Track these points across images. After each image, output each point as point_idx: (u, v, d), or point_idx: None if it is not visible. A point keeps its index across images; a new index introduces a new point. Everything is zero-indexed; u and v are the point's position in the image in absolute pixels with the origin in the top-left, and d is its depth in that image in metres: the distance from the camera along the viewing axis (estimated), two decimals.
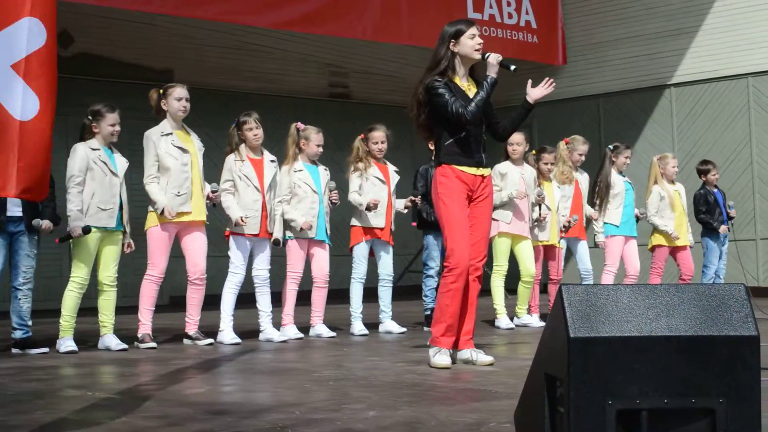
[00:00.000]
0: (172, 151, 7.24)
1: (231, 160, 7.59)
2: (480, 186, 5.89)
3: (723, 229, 10.38)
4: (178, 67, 12.96)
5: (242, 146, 7.62)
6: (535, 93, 6.04)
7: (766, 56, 12.84)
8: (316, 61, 14.44)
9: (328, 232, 8.04)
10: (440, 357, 5.76)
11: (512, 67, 5.95)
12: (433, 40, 13.22)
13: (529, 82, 6.12)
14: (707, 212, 10.40)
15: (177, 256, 7.73)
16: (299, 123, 8.07)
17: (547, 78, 6.06)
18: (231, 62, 13.54)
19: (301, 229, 7.76)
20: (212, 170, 8.45)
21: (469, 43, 5.88)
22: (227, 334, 7.49)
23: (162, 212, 7.12)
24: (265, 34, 13.35)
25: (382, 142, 8.22)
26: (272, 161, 7.76)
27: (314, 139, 7.94)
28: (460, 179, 5.81)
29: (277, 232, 7.71)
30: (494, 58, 5.85)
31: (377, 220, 8.14)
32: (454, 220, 5.78)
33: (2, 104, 3.65)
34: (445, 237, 5.84)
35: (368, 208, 8.01)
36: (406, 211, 8.44)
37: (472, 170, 5.85)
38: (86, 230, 6.80)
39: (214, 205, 7.54)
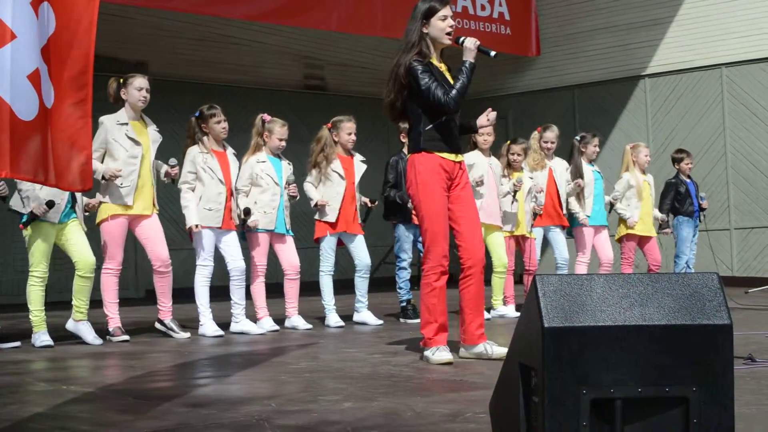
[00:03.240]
0: (124, 141, 7.16)
1: (195, 152, 7.50)
2: (459, 173, 5.70)
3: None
4: (152, 60, 12.89)
5: (206, 138, 7.57)
6: (479, 121, 5.94)
7: (739, 46, 12.91)
8: (292, 53, 14.39)
9: (288, 225, 7.98)
10: (440, 354, 5.53)
11: (492, 53, 5.70)
12: None
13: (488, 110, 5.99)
14: (678, 202, 10.43)
15: None
16: (265, 114, 8.00)
17: (490, 109, 5.93)
18: (205, 54, 13.48)
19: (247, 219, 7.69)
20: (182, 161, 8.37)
21: (440, 25, 5.65)
22: (209, 327, 7.46)
23: (104, 178, 7.02)
24: (239, 26, 13.29)
25: (354, 134, 8.21)
26: (234, 154, 7.73)
27: (277, 132, 7.88)
28: (442, 167, 5.60)
29: (242, 206, 7.69)
30: (471, 43, 5.62)
31: (330, 215, 8.12)
32: (433, 215, 5.58)
33: (41, 90, 3.57)
34: (423, 231, 5.63)
35: (316, 206, 8.05)
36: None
37: (452, 157, 5.65)
38: (50, 204, 6.66)
39: (173, 181, 7.41)
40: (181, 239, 12.45)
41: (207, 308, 7.53)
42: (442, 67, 5.75)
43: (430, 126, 5.62)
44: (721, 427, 2.76)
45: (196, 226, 7.41)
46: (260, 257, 7.84)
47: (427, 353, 5.62)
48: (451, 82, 5.66)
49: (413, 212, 8.40)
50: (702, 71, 13.30)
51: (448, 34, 5.68)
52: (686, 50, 13.40)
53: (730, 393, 2.79)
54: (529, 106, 14.63)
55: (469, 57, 5.64)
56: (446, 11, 5.70)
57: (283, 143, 7.92)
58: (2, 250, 11.98)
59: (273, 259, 8.05)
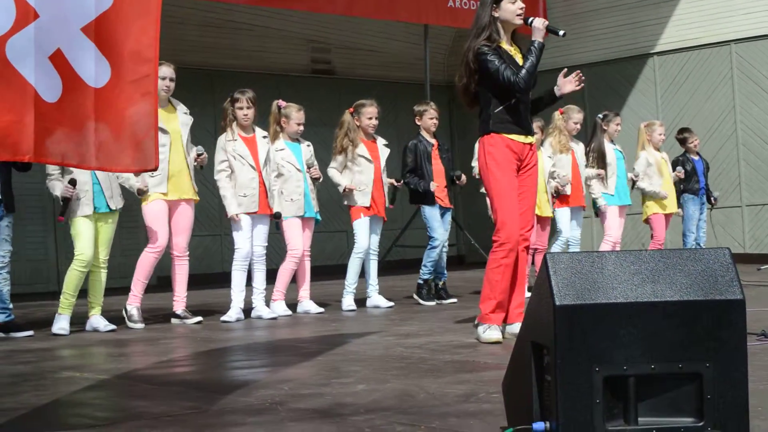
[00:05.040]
0: None
1: (223, 141, 7.57)
2: (528, 155, 5.75)
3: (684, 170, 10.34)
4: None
5: (234, 125, 7.60)
6: (565, 88, 5.91)
7: (748, 22, 12.83)
8: (298, 37, 14.37)
9: (316, 208, 8.02)
10: (491, 332, 5.57)
11: (561, 32, 5.82)
12: (411, 14, 13.24)
13: (564, 71, 5.96)
14: (684, 179, 10.41)
15: None
16: (281, 101, 8.03)
17: (577, 72, 5.89)
18: (211, 40, 13.46)
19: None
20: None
21: (510, 8, 5.70)
22: (233, 313, 7.51)
23: (139, 192, 7.13)
24: (245, 11, 13.27)
25: (375, 118, 8.21)
26: (264, 137, 7.73)
27: (294, 117, 7.90)
28: (510, 148, 5.65)
29: (277, 207, 7.72)
30: (540, 23, 5.69)
31: (363, 199, 8.13)
32: (504, 192, 5.62)
33: (75, 70, 3.44)
34: (494, 209, 5.68)
35: (344, 191, 8.03)
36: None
37: (521, 138, 5.70)
38: (72, 182, 6.70)
39: (201, 167, 7.45)
40: (208, 225, 12.47)
41: (238, 293, 7.55)
42: (512, 50, 5.78)
43: (500, 108, 5.67)
44: (735, 402, 2.76)
45: (237, 215, 7.45)
46: (295, 241, 7.88)
47: (479, 330, 5.66)
48: (521, 63, 5.70)
49: (437, 196, 8.42)
50: (711, 48, 13.24)
51: (519, 15, 5.73)
52: (695, 27, 13.33)
53: (744, 368, 2.78)
54: (538, 86, 14.53)
55: (538, 36, 5.70)
56: None
57: (302, 127, 7.95)
58: (16, 240, 11.96)
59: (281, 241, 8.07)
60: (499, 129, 5.67)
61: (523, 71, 5.62)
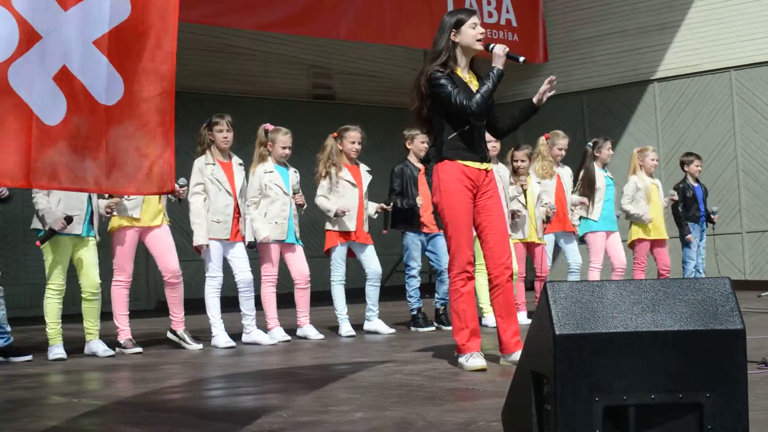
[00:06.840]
0: None
1: (201, 163, 7.50)
2: (485, 181, 5.69)
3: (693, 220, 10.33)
4: None
5: (212, 148, 7.55)
6: (537, 96, 5.83)
7: (748, 50, 12.88)
8: (300, 62, 14.41)
9: (297, 234, 7.97)
10: (474, 360, 5.54)
11: (521, 59, 5.73)
12: (414, 39, 13.29)
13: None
14: (684, 207, 10.39)
15: None
16: (268, 124, 8.00)
17: (551, 78, 5.81)
18: (213, 65, 13.50)
19: (337, 215, 7.86)
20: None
21: (471, 32, 5.64)
22: (221, 339, 7.45)
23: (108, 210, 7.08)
24: (247, 36, 13.31)
25: (359, 143, 8.19)
26: (240, 164, 7.70)
27: (280, 141, 7.85)
28: (465, 174, 5.60)
29: (249, 236, 7.67)
30: (500, 49, 5.60)
31: (349, 224, 8.10)
32: (458, 221, 5.59)
33: (86, 87, 3.26)
34: (448, 238, 5.65)
35: (336, 215, 8.00)
36: (375, 216, 8.38)
37: (477, 165, 5.64)
38: (68, 220, 6.65)
39: (179, 200, 7.35)
40: (193, 250, 12.45)
41: (218, 320, 7.51)
42: (468, 77, 5.73)
43: (454, 134, 5.63)
44: None
45: (206, 246, 7.41)
46: (271, 268, 7.82)
47: (461, 360, 5.63)
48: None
49: (422, 219, 8.41)
50: (711, 75, 13.27)
51: (479, 40, 5.68)
52: (695, 54, 13.37)
53: (744, 398, 2.77)
54: (538, 112, 14.57)
55: (498, 63, 5.63)
56: (475, 19, 5.72)
57: (287, 151, 7.89)
58: (15, 264, 12.00)
59: (283, 268, 8.02)
60: (452, 155, 5.62)
61: (478, 95, 5.55)
